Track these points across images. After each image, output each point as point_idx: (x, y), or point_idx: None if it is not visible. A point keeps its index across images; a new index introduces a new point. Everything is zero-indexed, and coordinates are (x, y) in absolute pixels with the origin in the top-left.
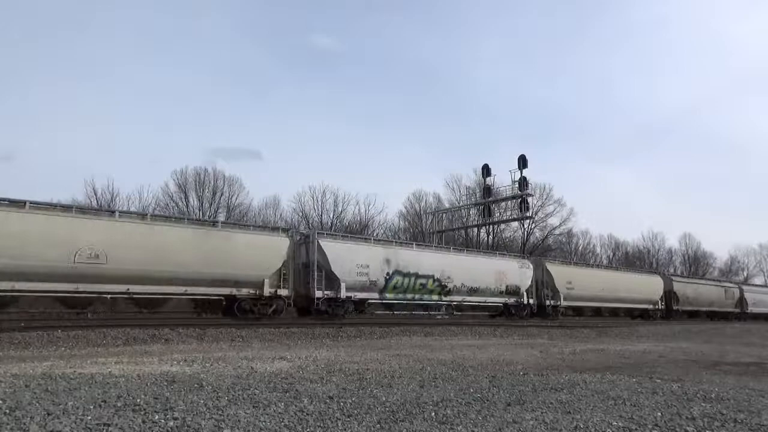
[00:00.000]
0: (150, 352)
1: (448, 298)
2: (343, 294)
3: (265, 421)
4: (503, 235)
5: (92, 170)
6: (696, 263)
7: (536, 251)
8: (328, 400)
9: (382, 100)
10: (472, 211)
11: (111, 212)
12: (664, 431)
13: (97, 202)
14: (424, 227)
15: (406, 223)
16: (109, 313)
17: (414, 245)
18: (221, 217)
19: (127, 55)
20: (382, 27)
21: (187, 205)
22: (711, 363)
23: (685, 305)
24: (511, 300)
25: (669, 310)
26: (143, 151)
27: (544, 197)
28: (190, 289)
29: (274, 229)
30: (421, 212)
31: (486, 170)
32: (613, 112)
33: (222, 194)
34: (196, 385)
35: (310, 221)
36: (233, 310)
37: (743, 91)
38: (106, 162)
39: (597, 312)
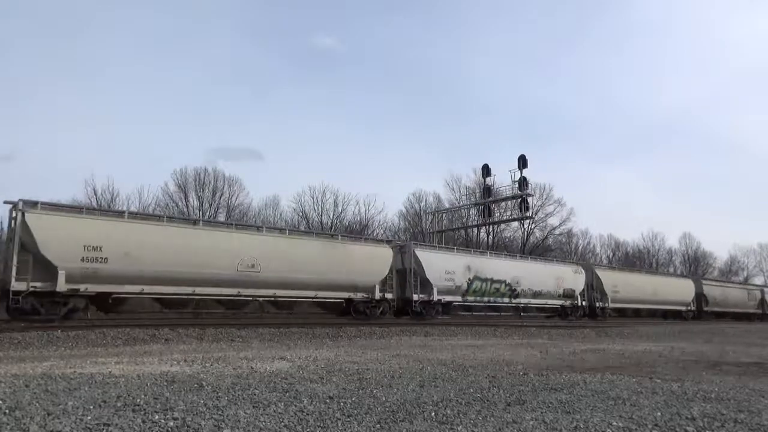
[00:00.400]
0: (150, 352)
1: (516, 301)
2: (435, 297)
3: (265, 421)
4: (503, 235)
5: (92, 170)
6: (696, 263)
7: (536, 251)
8: (328, 400)
9: (382, 100)
10: (472, 211)
11: (259, 228)
12: (664, 431)
13: (97, 201)
14: (424, 227)
15: (406, 223)
16: (260, 314)
17: (488, 253)
18: (221, 218)
19: (127, 55)
20: (383, 27)
21: (187, 206)
22: (711, 363)
23: (714, 307)
24: (567, 302)
25: (699, 311)
26: (143, 151)
27: (544, 197)
28: (320, 293)
29: (380, 240)
30: (421, 212)
31: (486, 170)
32: (613, 112)
33: (222, 194)
34: (196, 385)
35: (310, 221)
36: (349, 311)
37: (743, 91)
38: (106, 162)
39: (636, 313)
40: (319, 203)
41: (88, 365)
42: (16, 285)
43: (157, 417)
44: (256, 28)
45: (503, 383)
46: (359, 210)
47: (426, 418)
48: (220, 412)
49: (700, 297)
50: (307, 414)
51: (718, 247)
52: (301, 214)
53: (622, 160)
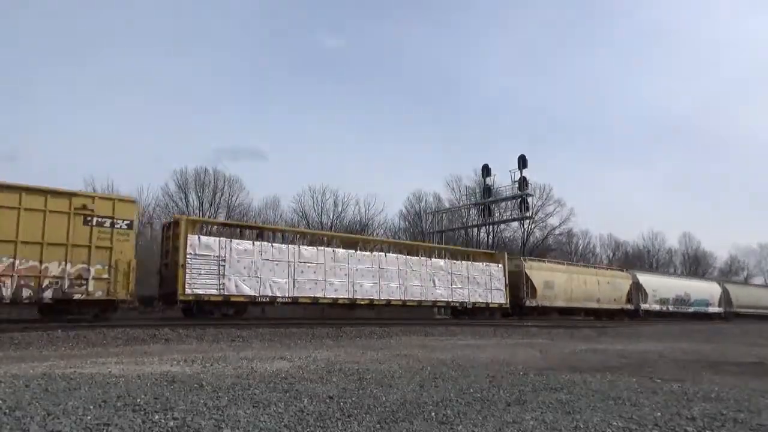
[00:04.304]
0: (150, 352)
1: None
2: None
3: (265, 421)
4: (503, 235)
5: (92, 170)
6: (696, 263)
7: (536, 251)
8: (328, 400)
9: (382, 100)
10: (472, 211)
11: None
12: (664, 431)
13: None
14: (424, 227)
15: (407, 223)
16: None
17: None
18: (221, 218)
19: (128, 55)
20: (385, 27)
21: (187, 206)
22: (711, 363)
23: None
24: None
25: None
26: (145, 151)
27: (544, 197)
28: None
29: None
30: (421, 212)
31: (486, 170)
32: (614, 113)
33: (222, 194)
34: (196, 385)
35: (310, 222)
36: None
37: (744, 93)
38: (106, 162)
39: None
40: (319, 203)
41: (88, 365)
42: (528, 302)
43: (157, 417)
44: (259, 28)
45: (503, 383)
46: (359, 210)
47: (426, 418)
48: (220, 412)
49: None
50: (307, 414)
51: (718, 247)
52: (301, 214)
53: (622, 160)
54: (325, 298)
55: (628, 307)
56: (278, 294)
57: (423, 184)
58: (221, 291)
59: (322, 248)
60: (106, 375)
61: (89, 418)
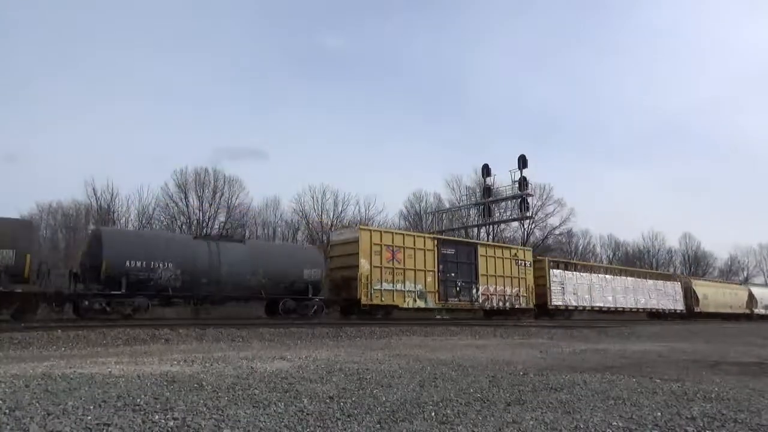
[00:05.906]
0: (150, 352)
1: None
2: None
3: (265, 421)
4: (503, 235)
5: (93, 170)
6: (696, 263)
7: (536, 251)
8: (328, 400)
9: (383, 99)
10: (472, 211)
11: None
12: (664, 431)
13: (97, 202)
14: (424, 227)
15: (407, 223)
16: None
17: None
18: (221, 218)
19: (130, 55)
20: (385, 28)
21: (187, 206)
22: (711, 363)
23: None
24: (741, 311)
25: None
26: (146, 151)
27: (544, 197)
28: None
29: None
30: (422, 212)
31: (486, 170)
32: (614, 113)
33: (222, 194)
34: (196, 385)
35: (310, 222)
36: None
37: (743, 93)
38: (106, 162)
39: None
40: (319, 203)
41: (88, 365)
42: (695, 308)
43: (157, 417)
44: (259, 27)
45: (503, 383)
46: (359, 210)
47: (426, 418)
48: (220, 412)
49: None
50: (308, 414)
51: (718, 247)
52: (301, 214)
53: (622, 161)
54: (604, 307)
55: (746, 311)
56: (585, 305)
57: (423, 184)
58: (564, 303)
59: (601, 275)
60: (106, 375)
61: (89, 418)
